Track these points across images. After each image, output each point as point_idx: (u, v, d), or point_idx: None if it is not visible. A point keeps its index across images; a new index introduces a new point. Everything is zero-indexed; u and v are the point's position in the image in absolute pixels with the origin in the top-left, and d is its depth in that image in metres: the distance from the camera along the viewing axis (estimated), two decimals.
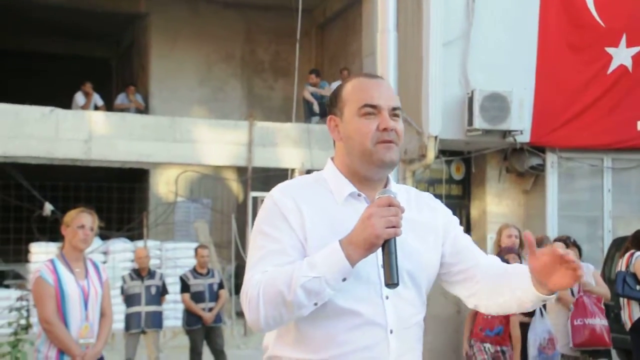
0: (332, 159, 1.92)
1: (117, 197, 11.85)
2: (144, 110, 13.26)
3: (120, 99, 13.14)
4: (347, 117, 1.83)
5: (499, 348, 5.00)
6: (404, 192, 1.92)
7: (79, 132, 10.69)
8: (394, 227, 1.64)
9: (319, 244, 1.72)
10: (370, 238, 1.63)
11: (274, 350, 1.83)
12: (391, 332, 1.76)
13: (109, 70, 17.72)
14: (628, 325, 6.00)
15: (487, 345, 4.99)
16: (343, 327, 1.73)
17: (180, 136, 11.17)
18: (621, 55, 9.99)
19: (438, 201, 1.99)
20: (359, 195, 1.82)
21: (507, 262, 5.15)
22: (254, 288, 1.70)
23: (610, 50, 9.99)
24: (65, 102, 11.95)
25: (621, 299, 6.06)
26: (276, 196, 1.81)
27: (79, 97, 12.32)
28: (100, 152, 10.74)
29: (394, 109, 1.82)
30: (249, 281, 1.74)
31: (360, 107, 1.80)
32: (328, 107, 1.92)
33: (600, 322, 5.38)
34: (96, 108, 12.26)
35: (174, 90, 14.15)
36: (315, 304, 1.68)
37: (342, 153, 1.86)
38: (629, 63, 9.98)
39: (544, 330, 5.14)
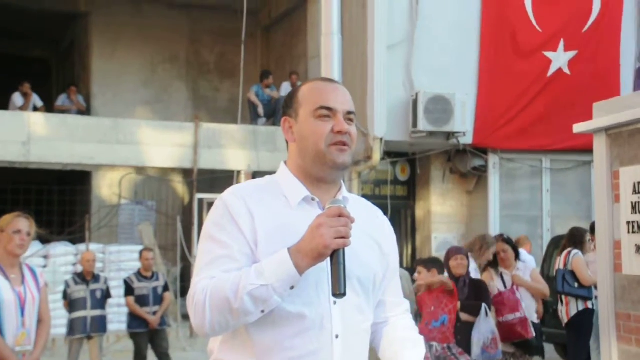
0: (285, 162, 1.89)
1: (59, 200, 11.55)
2: (86, 111, 12.96)
3: (62, 100, 12.80)
4: (302, 118, 1.82)
5: (445, 345, 5.04)
6: (357, 203, 1.91)
7: (17, 134, 10.36)
8: (343, 237, 1.64)
9: (270, 249, 1.70)
10: (318, 248, 1.63)
11: (219, 355, 1.81)
12: (337, 337, 1.75)
13: (48, 70, 17.26)
14: (565, 321, 6.18)
15: (434, 344, 5.03)
16: (289, 333, 1.72)
17: (124, 138, 10.96)
18: (560, 59, 10.31)
19: (387, 221, 2.00)
20: (312, 199, 1.81)
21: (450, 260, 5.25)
22: (200, 293, 1.68)
23: (549, 54, 10.30)
24: (2, 103, 11.58)
25: (560, 297, 6.24)
26: (227, 199, 1.77)
27: (17, 98, 11.95)
28: (40, 154, 10.44)
29: (349, 113, 1.82)
30: (195, 286, 1.71)
31: (316, 109, 1.79)
32: (283, 109, 1.91)
33: (514, 316, 5.53)
34: (35, 109, 11.92)
35: (117, 91, 13.89)
36: (263, 311, 1.67)
37: (295, 155, 1.85)
38: (565, 67, 10.31)
39: (488, 330, 5.23)
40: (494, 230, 9.86)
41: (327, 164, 1.79)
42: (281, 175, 1.86)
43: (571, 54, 10.30)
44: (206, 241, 1.76)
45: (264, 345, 1.73)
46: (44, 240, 9.79)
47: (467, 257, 5.47)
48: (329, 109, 1.80)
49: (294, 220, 1.76)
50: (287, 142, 1.90)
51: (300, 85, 1.91)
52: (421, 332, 5.42)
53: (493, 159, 10.40)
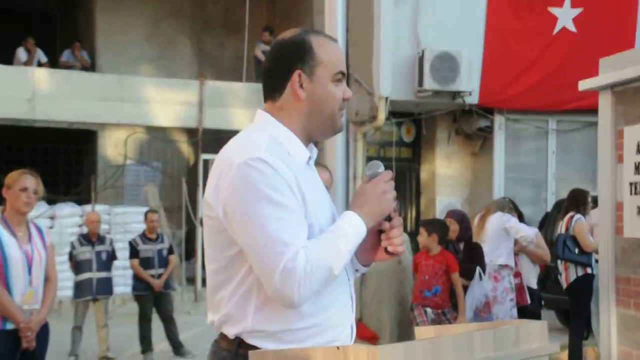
0: (271, 114, 1.79)
1: (64, 160, 11.56)
2: (90, 67, 12.87)
3: (66, 56, 12.71)
4: (321, 79, 1.75)
5: (439, 311, 5.02)
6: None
7: (22, 90, 10.33)
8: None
9: (314, 210, 1.72)
10: (385, 212, 1.76)
11: (255, 326, 1.71)
12: (350, 286, 1.85)
13: (52, 24, 17.06)
14: (565, 287, 6.18)
15: (428, 309, 5.00)
16: (325, 291, 1.71)
17: (128, 95, 10.91)
18: (565, 16, 10.12)
19: None
20: (309, 159, 1.83)
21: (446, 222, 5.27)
22: (304, 265, 1.62)
23: (554, 10, 10.10)
24: (6, 58, 11.51)
25: (559, 262, 6.22)
26: (270, 160, 1.67)
27: (21, 53, 11.88)
28: (45, 112, 10.42)
29: None
30: (295, 258, 1.62)
31: (336, 73, 1.77)
32: (290, 59, 1.75)
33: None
34: (40, 65, 11.85)
35: (121, 46, 13.73)
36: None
37: (297, 112, 1.77)
38: (571, 25, 10.13)
39: (481, 294, 5.23)
40: (498, 193, 9.84)
41: (334, 128, 1.82)
42: (279, 131, 1.77)
43: (577, 10, 10.10)
44: (266, 205, 1.64)
45: (306, 305, 1.69)
46: (50, 201, 9.82)
47: (462, 221, 5.42)
48: (343, 73, 1.80)
49: (306, 179, 1.74)
50: (277, 92, 1.78)
51: (310, 37, 1.77)
52: (415, 299, 5.38)
53: (499, 120, 10.33)
